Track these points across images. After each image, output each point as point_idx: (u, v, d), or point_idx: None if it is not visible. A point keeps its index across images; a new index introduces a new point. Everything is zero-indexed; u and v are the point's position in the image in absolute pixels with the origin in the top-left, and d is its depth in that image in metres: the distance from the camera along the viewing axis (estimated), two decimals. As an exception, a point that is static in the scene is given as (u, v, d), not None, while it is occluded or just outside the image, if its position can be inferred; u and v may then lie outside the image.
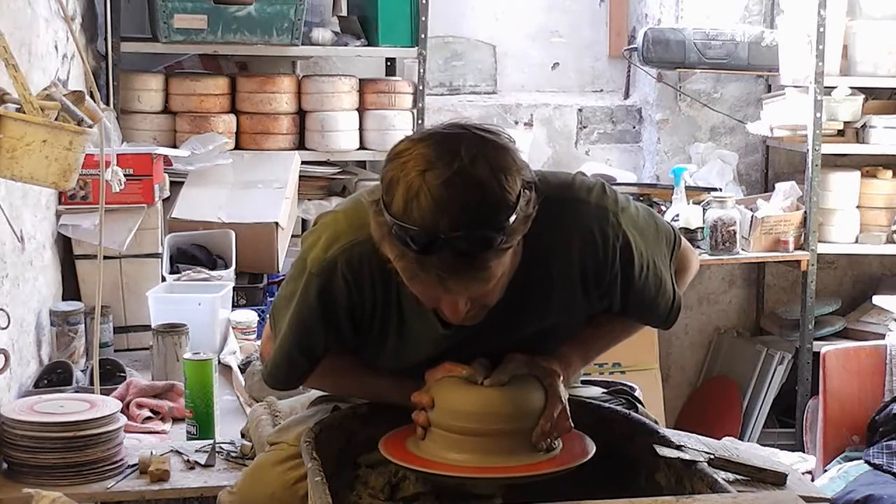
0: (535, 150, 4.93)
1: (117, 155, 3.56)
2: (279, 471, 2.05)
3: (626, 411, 2.01)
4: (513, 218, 1.70)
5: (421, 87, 4.58)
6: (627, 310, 2.02)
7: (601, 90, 5.31)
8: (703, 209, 4.56)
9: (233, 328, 3.70)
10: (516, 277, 1.83)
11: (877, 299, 4.82)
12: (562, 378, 1.94)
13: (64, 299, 3.72)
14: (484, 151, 1.71)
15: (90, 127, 2.55)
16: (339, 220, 1.95)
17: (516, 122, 5.05)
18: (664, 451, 1.85)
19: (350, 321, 1.95)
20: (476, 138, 1.73)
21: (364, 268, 1.89)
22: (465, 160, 1.68)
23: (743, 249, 4.63)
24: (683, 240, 2.14)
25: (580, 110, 5.15)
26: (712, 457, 1.91)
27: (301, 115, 4.50)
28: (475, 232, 1.67)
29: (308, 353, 2.01)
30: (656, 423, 2.17)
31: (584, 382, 2.33)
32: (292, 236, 4.22)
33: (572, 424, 1.90)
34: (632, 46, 5.05)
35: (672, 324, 2.10)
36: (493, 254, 1.71)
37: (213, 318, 3.60)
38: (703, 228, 4.51)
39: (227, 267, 3.93)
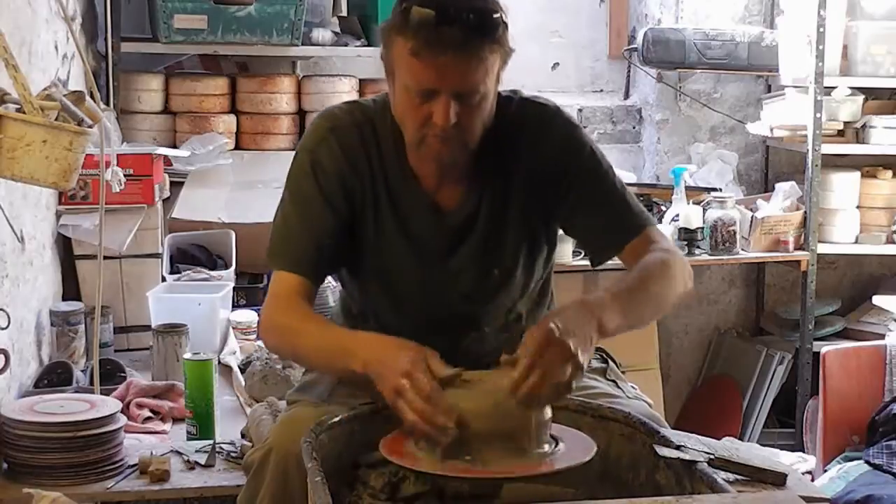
0: (535, 151, 4.92)
1: (117, 155, 3.56)
2: (317, 413, 2.02)
3: (626, 411, 2.00)
4: (502, 28, 2.13)
5: (421, 87, 4.57)
6: (597, 205, 2.19)
7: (601, 90, 5.31)
8: (703, 209, 4.56)
9: (233, 328, 3.70)
10: (495, 169, 2.18)
11: (877, 299, 4.82)
12: (596, 327, 1.90)
13: (64, 299, 3.72)
14: None
15: (90, 127, 2.55)
16: (328, 111, 2.29)
17: (516, 122, 5.05)
18: (664, 451, 1.85)
19: (342, 188, 2.16)
20: None
21: (353, 136, 2.19)
22: None
23: (743, 249, 4.62)
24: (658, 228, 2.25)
25: (580, 110, 5.14)
26: (712, 457, 1.91)
27: (301, 115, 4.49)
28: (478, 3, 2.08)
29: (306, 222, 2.16)
30: (634, 388, 2.23)
31: None
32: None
33: (581, 363, 1.84)
34: (632, 46, 5.05)
35: (645, 226, 2.19)
36: (489, 44, 2.11)
37: (213, 318, 3.60)
38: (703, 228, 4.50)
39: (227, 267, 3.93)
